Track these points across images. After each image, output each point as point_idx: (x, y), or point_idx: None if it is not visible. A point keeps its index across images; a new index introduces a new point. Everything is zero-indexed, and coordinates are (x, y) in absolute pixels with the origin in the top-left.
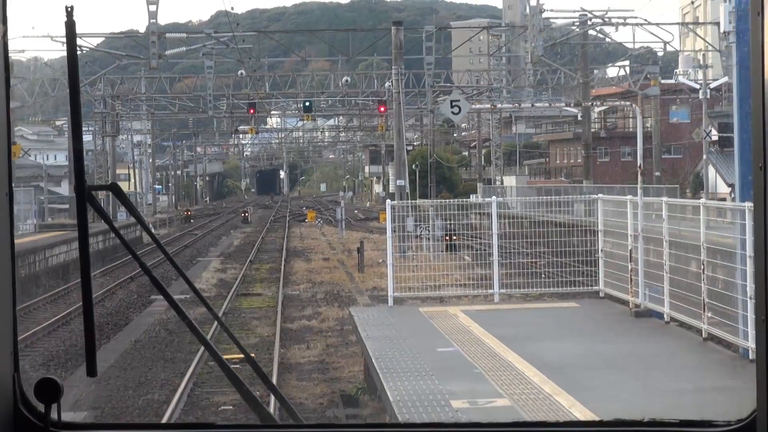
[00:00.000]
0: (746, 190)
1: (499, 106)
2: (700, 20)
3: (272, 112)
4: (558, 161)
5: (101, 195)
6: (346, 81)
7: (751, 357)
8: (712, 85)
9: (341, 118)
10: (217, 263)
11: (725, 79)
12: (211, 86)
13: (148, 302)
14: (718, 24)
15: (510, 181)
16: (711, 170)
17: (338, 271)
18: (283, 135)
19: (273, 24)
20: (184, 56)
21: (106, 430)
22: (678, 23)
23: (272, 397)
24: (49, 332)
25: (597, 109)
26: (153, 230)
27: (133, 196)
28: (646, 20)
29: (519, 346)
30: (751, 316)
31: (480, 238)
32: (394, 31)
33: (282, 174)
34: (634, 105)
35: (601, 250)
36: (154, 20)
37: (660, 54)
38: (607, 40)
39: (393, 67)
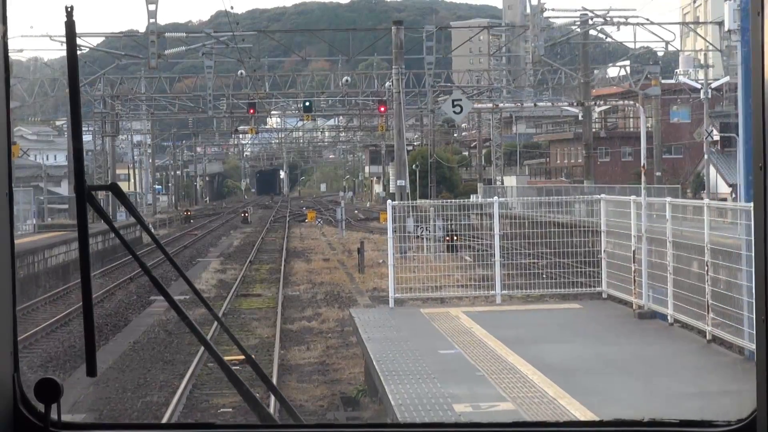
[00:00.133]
0: (750, 190)
1: (501, 105)
2: (701, 20)
3: (272, 112)
4: (558, 161)
5: (101, 195)
6: (346, 81)
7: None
8: (713, 85)
9: (341, 118)
10: (216, 264)
11: (726, 78)
12: (210, 86)
13: (148, 303)
14: (719, 23)
15: (510, 181)
16: (711, 170)
17: (338, 272)
18: (283, 135)
19: (273, 24)
20: (184, 56)
21: (106, 430)
22: (679, 23)
23: (272, 398)
24: (47, 333)
25: (598, 109)
26: (153, 230)
27: (132, 196)
28: (648, 20)
29: (522, 348)
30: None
31: (481, 239)
32: (394, 30)
33: (282, 174)
34: (637, 104)
35: (604, 251)
36: (153, 20)
37: (660, 54)
38: (608, 39)
39: (393, 66)
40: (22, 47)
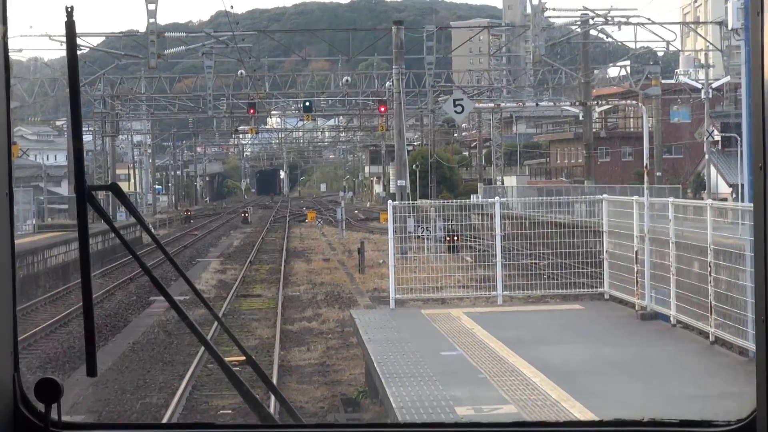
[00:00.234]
0: None
1: (503, 105)
2: (701, 20)
3: (272, 112)
4: (558, 161)
5: (101, 195)
6: (347, 81)
7: None
8: (714, 85)
9: (341, 118)
10: (216, 264)
11: (727, 78)
12: (210, 86)
13: (147, 303)
14: (720, 23)
15: (510, 181)
16: (712, 170)
17: (339, 272)
18: (283, 135)
19: (273, 24)
20: (184, 56)
21: (106, 430)
22: (680, 23)
23: (272, 398)
24: (46, 334)
25: (598, 109)
26: (153, 230)
27: (133, 196)
28: (649, 19)
29: (524, 350)
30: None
31: (481, 239)
32: (394, 30)
33: (282, 174)
34: (640, 104)
35: (606, 251)
36: (153, 19)
37: (660, 54)
38: (609, 39)
39: (393, 66)
40: (21, 47)
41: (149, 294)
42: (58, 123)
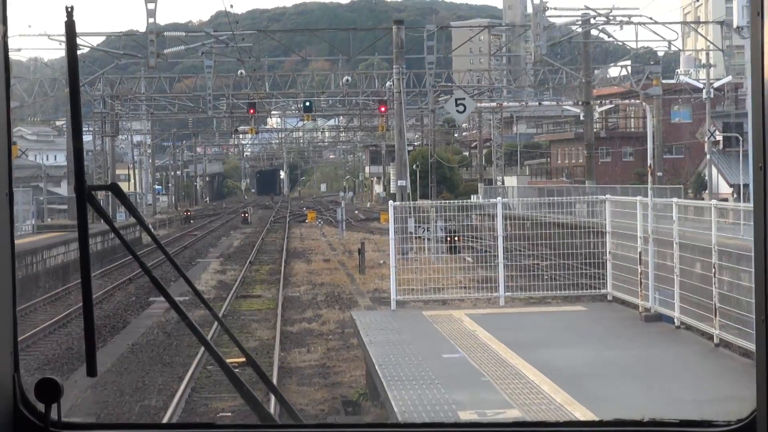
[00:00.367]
0: None
1: (505, 104)
2: (701, 19)
3: (272, 112)
4: (559, 161)
5: (101, 195)
6: (347, 80)
7: None
8: (716, 85)
9: (341, 118)
10: (216, 264)
11: (728, 78)
12: (210, 86)
13: (147, 304)
14: (721, 23)
15: (511, 181)
16: (713, 170)
17: (339, 273)
18: (283, 135)
19: (273, 24)
20: (184, 56)
21: (106, 430)
22: (681, 22)
23: (272, 398)
24: (45, 335)
25: (599, 109)
26: (153, 231)
27: (132, 196)
28: (651, 18)
29: (527, 352)
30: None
31: (482, 240)
32: (395, 30)
33: (282, 174)
34: (644, 104)
35: (609, 252)
36: (152, 19)
37: (660, 54)
38: (610, 39)
39: (394, 66)
40: (19, 46)
41: (149, 295)
42: (57, 123)
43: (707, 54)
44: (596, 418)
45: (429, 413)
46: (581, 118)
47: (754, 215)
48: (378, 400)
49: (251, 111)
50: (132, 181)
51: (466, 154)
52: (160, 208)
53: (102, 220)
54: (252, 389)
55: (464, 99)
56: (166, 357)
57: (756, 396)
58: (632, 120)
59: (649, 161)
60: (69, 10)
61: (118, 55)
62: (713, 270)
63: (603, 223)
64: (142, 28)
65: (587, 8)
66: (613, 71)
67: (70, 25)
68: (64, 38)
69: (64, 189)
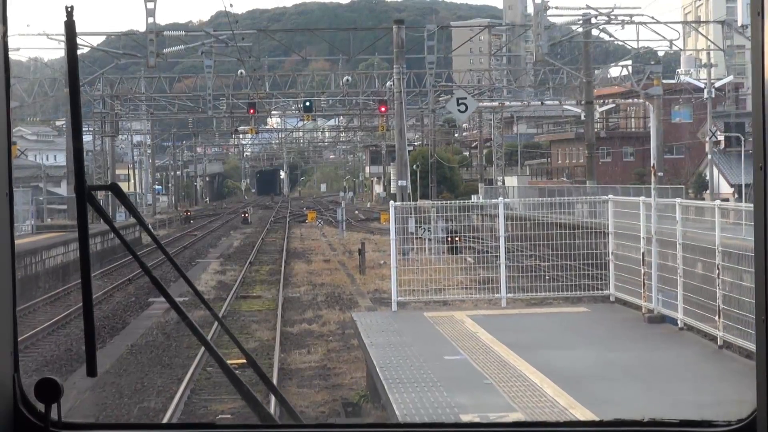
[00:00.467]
0: None
1: (507, 103)
2: (702, 19)
3: (272, 112)
4: (560, 161)
5: (100, 195)
6: (347, 80)
7: None
8: (717, 85)
9: (342, 118)
10: (216, 265)
11: (730, 78)
12: (210, 86)
13: (146, 305)
14: (722, 22)
15: (511, 181)
16: (715, 170)
17: (339, 273)
18: (283, 135)
19: (273, 24)
20: (184, 56)
21: (106, 430)
22: (682, 21)
23: (272, 398)
24: (44, 336)
25: (600, 109)
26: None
27: (132, 196)
28: (653, 18)
29: (529, 354)
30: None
31: (483, 240)
32: (395, 29)
33: (282, 174)
34: (648, 103)
35: (612, 253)
36: (151, 18)
37: (661, 54)
38: (610, 39)
39: (395, 66)
40: (18, 45)
41: (148, 295)
42: (57, 123)
43: (708, 54)
44: (596, 418)
45: (431, 416)
46: (582, 118)
47: (754, 215)
48: (379, 403)
49: (251, 111)
50: (132, 181)
51: (467, 154)
52: (160, 208)
53: (102, 220)
54: (252, 389)
55: (466, 98)
56: (166, 358)
57: (756, 396)
58: (632, 120)
59: (653, 161)
60: (69, 10)
61: (117, 55)
62: (717, 271)
63: (605, 223)
64: (142, 28)
65: (588, 7)
66: (614, 71)
67: (70, 25)
68: (63, 38)
69: (63, 189)
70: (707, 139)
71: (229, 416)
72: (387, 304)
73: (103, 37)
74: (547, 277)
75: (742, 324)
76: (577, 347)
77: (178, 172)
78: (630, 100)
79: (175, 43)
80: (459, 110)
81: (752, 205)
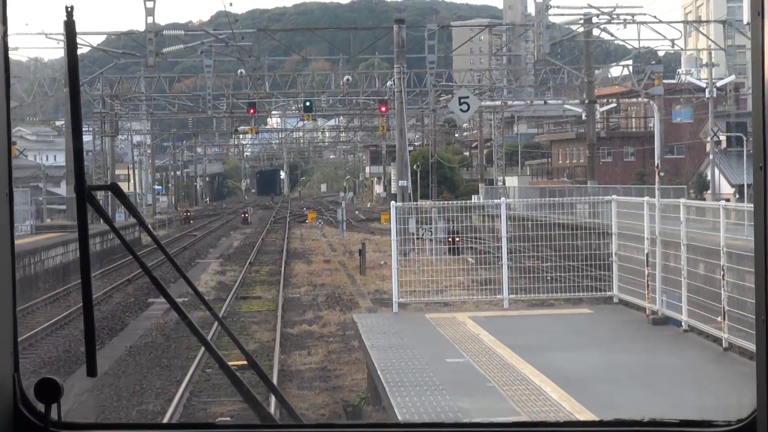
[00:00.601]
0: None
1: (509, 103)
2: (702, 19)
3: (272, 112)
4: (560, 161)
5: (100, 195)
6: (347, 80)
7: None
8: (718, 84)
9: (342, 118)
10: (216, 265)
11: (732, 77)
12: (210, 85)
13: (145, 306)
14: (724, 22)
15: (512, 181)
16: (715, 170)
17: (339, 274)
18: (283, 135)
19: (273, 24)
20: (184, 56)
21: (106, 430)
22: (683, 21)
23: (272, 398)
24: (42, 337)
25: (600, 109)
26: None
27: (132, 196)
28: (655, 17)
29: (533, 357)
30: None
31: (484, 241)
32: (395, 29)
33: (282, 174)
34: (652, 102)
35: (615, 254)
36: (151, 17)
37: (661, 54)
38: (611, 38)
39: (395, 65)
40: (16, 45)
41: (147, 296)
42: (57, 123)
43: (710, 53)
44: (596, 418)
45: (433, 420)
46: (583, 117)
47: (754, 215)
48: (380, 405)
49: (251, 111)
50: (132, 181)
51: (467, 154)
52: (159, 208)
53: (102, 220)
54: (252, 389)
55: (468, 97)
56: (165, 359)
57: (756, 396)
58: (633, 120)
59: (657, 161)
60: (69, 9)
61: (117, 55)
62: (722, 272)
63: (607, 224)
64: (142, 28)
65: (590, 6)
66: (615, 71)
67: (70, 25)
68: (62, 37)
69: (63, 189)
70: (709, 139)
71: (228, 418)
72: (387, 304)
73: (103, 37)
74: (548, 278)
75: (747, 326)
76: (580, 349)
77: (178, 172)
78: (634, 99)
79: (174, 42)
80: (461, 109)
81: (752, 204)
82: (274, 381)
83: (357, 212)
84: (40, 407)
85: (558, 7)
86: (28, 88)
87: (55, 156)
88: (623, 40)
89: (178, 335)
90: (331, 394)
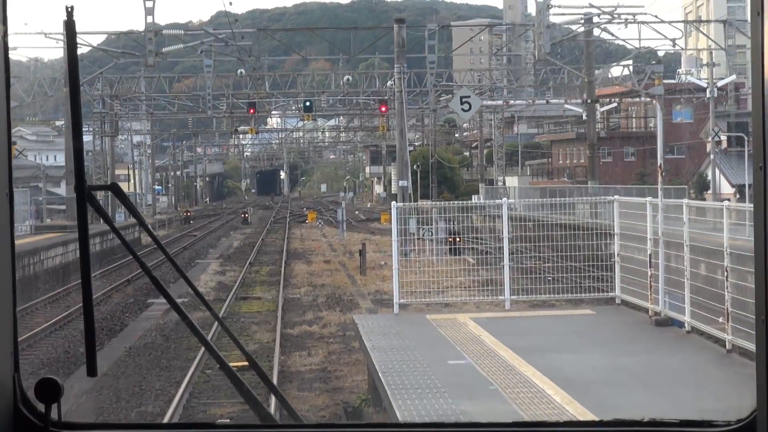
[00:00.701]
0: None
1: (511, 102)
2: (702, 19)
3: (272, 112)
4: (560, 161)
5: (100, 195)
6: (348, 79)
7: None
8: (719, 84)
9: (342, 118)
10: (216, 265)
11: (733, 77)
12: (210, 85)
13: (145, 306)
14: (724, 21)
15: (512, 181)
16: (717, 170)
17: (339, 274)
18: (283, 135)
19: (273, 24)
20: (184, 56)
21: (106, 430)
22: (683, 21)
23: (272, 398)
24: (40, 338)
25: (601, 109)
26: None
27: (132, 196)
28: (656, 16)
29: (536, 359)
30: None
31: (485, 241)
32: (396, 28)
33: (282, 174)
34: (655, 101)
35: (618, 255)
36: (150, 17)
37: (661, 54)
38: (611, 38)
39: (395, 65)
40: (18, 46)
41: (147, 297)
42: (57, 123)
43: (710, 53)
44: (596, 418)
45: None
46: (584, 117)
47: (754, 215)
48: (381, 407)
49: (251, 111)
50: (132, 181)
51: (467, 154)
52: (159, 208)
53: (102, 220)
54: (252, 390)
55: (470, 97)
56: (164, 361)
57: (756, 396)
58: (633, 120)
59: (659, 161)
60: (69, 9)
61: (117, 54)
62: (725, 273)
63: (608, 224)
64: (142, 28)
65: (591, 6)
66: (615, 71)
67: (70, 25)
68: (61, 37)
69: (63, 189)
70: (710, 139)
71: (228, 421)
72: (388, 305)
73: (103, 37)
74: (549, 279)
75: (750, 327)
76: (583, 351)
77: (178, 173)
78: (637, 99)
79: (174, 42)
80: (463, 109)
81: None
82: (274, 382)
83: (357, 212)
84: (40, 407)
85: (559, 6)
86: (28, 88)
87: (55, 156)
88: (624, 40)
89: (178, 336)
90: (331, 395)
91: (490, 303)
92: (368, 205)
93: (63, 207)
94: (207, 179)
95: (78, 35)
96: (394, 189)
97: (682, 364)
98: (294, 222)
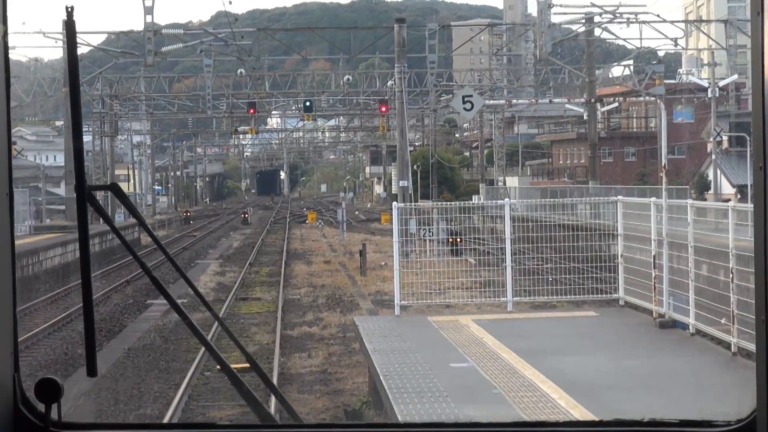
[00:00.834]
0: None
1: (513, 101)
2: (704, 19)
3: (272, 112)
4: (561, 162)
5: (100, 195)
6: (348, 79)
7: None
8: (720, 84)
9: (342, 118)
10: (215, 266)
11: (734, 77)
12: (209, 85)
13: (144, 307)
14: (725, 21)
15: (512, 181)
16: (718, 171)
17: (340, 274)
18: (283, 135)
19: (273, 24)
20: (184, 55)
21: (106, 430)
22: (685, 20)
23: (272, 398)
24: (39, 339)
25: (601, 109)
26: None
27: (132, 196)
28: (658, 16)
29: (539, 362)
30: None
31: (485, 242)
32: (396, 28)
33: (282, 175)
34: (658, 101)
35: (621, 256)
36: (149, 16)
37: (661, 54)
38: (612, 38)
39: (396, 65)
40: (18, 45)
41: (146, 297)
42: (57, 123)
43: (712, 53)
44: (596, 418)
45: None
46: (585, 117)
47: (754, 215)
48: (382, 410)
49: (251, 111)
50: (132, 181)
51: (467, 154)
52: (159, 208)
53: (102, 220)
54: (252, 390)
55: (471, 96)
56: (163, 362)
57: (756, 396)
58: (634, 120)
59: (663, 161)
60: (69, 9)
61: (116, 54)
62: (731, 275)
63: (611, 224)
64: (141, 28)
65: (593, 5)
66: (616, 71)
67: (70, 25)
68: (61, 37)
69: (63, 189)
70: (711, 139)
71: (227, 423)
72: (388, 306)
73: (103, 37)
74: (551, 280)
75: (752, 328)
76: (588, 353)
77: (178, 173)
78: (640, 98)
79: (174, 42)
80: (465, 108)
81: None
82: (274, 383)
83: (357, 212)
84: (41, 407)
85: (560, 6)
86: (27, 88)
87: (54, 156)
88: (624, 40)
89: (177, 337)
90: (331, 397)
91: (492, 304)
92: (368, 206)
93: (63, 207)
94: (207, 179)
95: (78, 35)
96: (394, 189)
97: (687, 367)
98: (294, 222)
